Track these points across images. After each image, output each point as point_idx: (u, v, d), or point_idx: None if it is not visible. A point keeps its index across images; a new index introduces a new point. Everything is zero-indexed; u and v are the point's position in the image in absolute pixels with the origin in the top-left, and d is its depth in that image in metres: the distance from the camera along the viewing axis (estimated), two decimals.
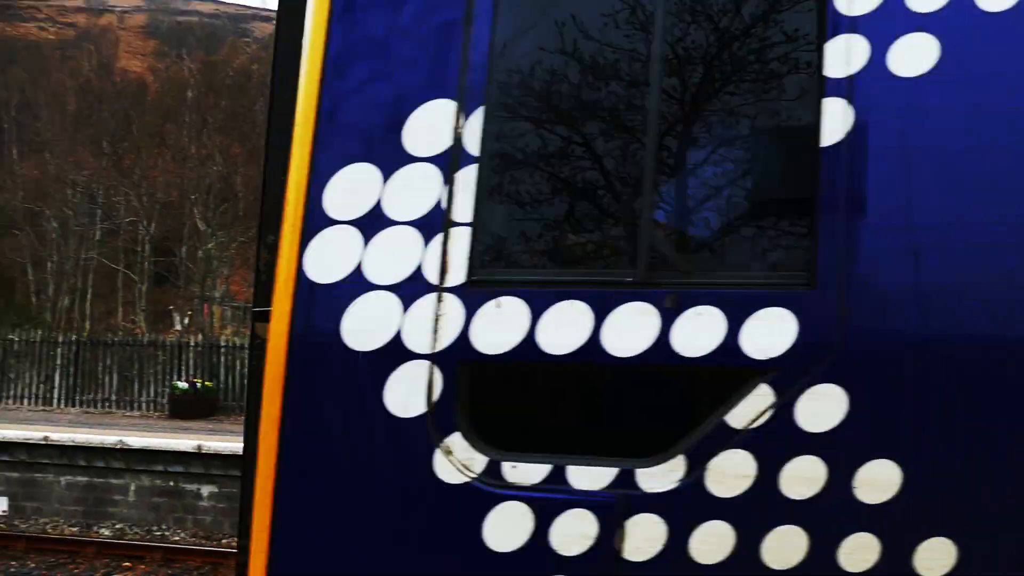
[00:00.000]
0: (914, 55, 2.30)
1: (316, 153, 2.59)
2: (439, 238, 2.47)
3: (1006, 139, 2.25)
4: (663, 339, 2.30)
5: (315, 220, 2.56)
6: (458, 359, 2.42)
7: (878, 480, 2.17)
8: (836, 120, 2.31)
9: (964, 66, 2.29)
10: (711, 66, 2.59)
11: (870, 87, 2.31)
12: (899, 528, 2.17)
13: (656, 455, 2.30)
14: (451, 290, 2.45)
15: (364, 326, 2.49)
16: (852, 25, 2.34)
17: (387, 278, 2.49)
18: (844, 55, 2.33)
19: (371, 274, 2.51)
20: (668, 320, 2.31)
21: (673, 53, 2.54)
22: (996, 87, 2.28)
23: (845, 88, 2.32)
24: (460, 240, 2.46)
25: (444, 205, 2.48)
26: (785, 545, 2.20)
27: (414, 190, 2.51)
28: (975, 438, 2.19)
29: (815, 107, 2.35)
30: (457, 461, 2.39)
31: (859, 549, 2.17)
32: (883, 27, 2.33)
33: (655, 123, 2.44)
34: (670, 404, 2.45)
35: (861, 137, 2.29)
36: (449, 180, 2.49)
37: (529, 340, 2.38)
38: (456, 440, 2.40)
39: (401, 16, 2.62)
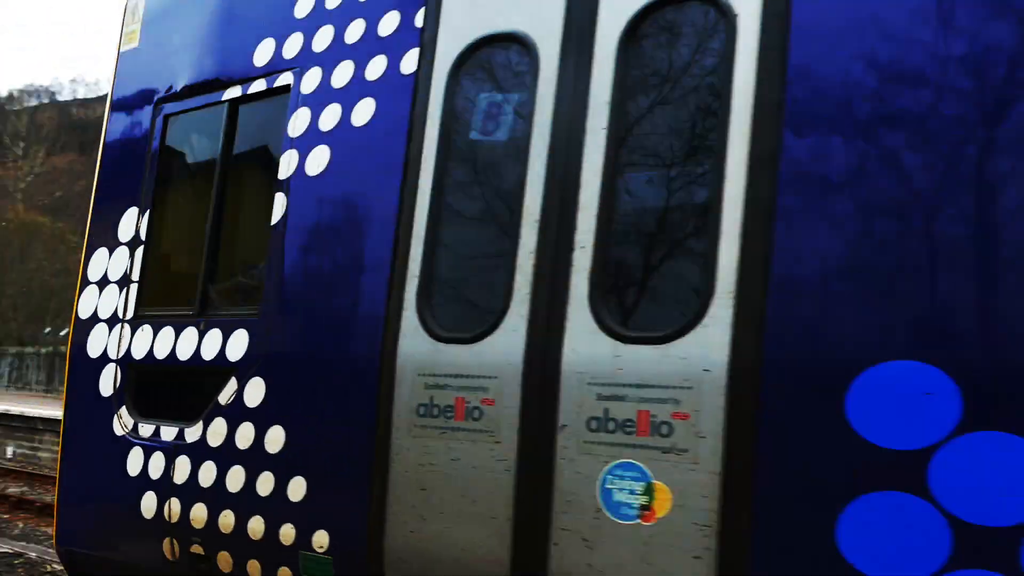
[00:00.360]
0: (318, 160, 3.53)
1: (89, 243, 4.48)
2: (125, 291, 4.19)
3: (357, 212, 3.41)
4: (198, 349, 3.79)
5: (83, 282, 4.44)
6: (127, 362, 4.12)
7: (275, 438, 3.45)
8: (278, 207, 3.62)
9: (343, 166, 3.47)
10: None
11: (295, 184, 3.59)
12: (283, 468, 3.42)
13: (194, 420, 3.78)
14: (126, 321, 4.16)
15: (95, 342, 4.30)
16: (291, 143, 3.64)
17: (106, 314, 4.28)
18: (286, 164, 3.64)
19: (101, 312, 4.31)
20: (200, 337, 3.79)
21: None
22: (361, 178, 3.44)
23: (283, 186, 3.62)
24: (132, 292, 4.16)
25: (127, 271, 4.21)
26: (237, 477, 3.57)
27: (118, 262, 4.27)
28: (314, 418, 3.39)
29: (270, 199, 3.68)
30: (121, 422, 4.08)
31: (264, 482, 3.46)
32: (306, 143, 3.59)
33: (214, 219, 3.95)
34: (203, 388, 3.89)
35: (288, 219, 3.59)
36: (132, 255, 4.21)
37: (151, 351, 4.01)
38: (123, 410, 4.10)
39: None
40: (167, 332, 3.95)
